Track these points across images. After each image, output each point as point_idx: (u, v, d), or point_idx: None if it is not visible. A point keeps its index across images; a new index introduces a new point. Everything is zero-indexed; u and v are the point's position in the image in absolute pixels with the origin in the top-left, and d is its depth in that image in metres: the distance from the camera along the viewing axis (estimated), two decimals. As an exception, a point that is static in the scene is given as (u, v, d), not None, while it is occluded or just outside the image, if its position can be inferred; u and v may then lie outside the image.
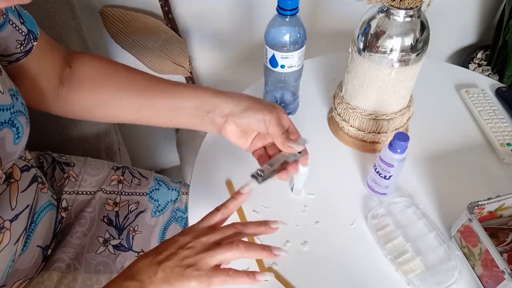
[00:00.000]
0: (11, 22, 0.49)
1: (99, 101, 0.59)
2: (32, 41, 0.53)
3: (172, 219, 0.75)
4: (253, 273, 0.45)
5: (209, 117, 0.56)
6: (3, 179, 0.51)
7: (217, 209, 0.49)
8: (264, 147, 0.59)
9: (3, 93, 0.46)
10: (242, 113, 0.54)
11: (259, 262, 0.61)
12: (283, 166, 0.54)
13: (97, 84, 0.59)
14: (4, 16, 0.48)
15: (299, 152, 0.55)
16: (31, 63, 0.54)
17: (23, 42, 0.51)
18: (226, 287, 0.44)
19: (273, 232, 0.49)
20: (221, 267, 0.45)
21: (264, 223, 0.48)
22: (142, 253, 0.69)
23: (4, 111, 0.46)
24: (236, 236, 0.46)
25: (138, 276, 0.43)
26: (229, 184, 0.71)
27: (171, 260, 0.43)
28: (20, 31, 0.50)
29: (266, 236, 0.64)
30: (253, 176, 0.51)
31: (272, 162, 0.54)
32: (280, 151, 0.56)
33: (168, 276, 0.42)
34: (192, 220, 0.66)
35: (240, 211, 0.67)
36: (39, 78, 0.56)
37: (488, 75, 1.38)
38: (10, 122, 0.47)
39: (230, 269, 0.44)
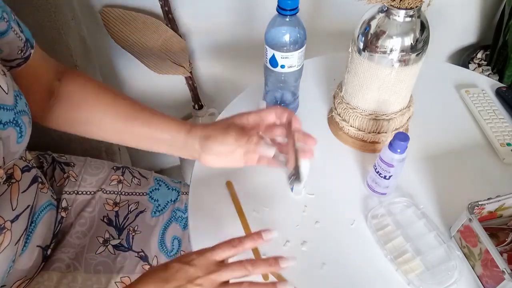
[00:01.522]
0: (13, 29, 0.50)
1: (83, 119, 0.61)
2: (30, 48, 0.54)
3: (172, 219, 0.75)
4: None
5: (184, 151, 0.60)
6: (4, 179, 0.51)
7: (232, 244, 0.48)
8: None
9: (7, 93, 0.46)
10: (207, 146, 0.57)
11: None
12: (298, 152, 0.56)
13: (82, 102, 0.60)
14: (8, 23, 0.49)
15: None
16: (28, 71, 0.55)
17: (23, 49, 0.53)
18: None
19: (281, 268, 0.48)
20: None
21: (275, 261, 0.48)
22: (142, 253, 0.69)
23: (9, 111, 0.46)
24: (244, 273, 0.47)
25: None
26: (229, 184, 0.71)
27: None
28: (20, 38, 0.52)
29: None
30: (291, 183, 0.57)
31: (290, 161, 0.57)
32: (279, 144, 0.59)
33: None
34: (192, 220, 0.66)
35: (240, 211, 0.67)
36: (32, 87, 0.57)
37: (488, 75, 1.38)
38: (14, 121, 0.47)
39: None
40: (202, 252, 0.48)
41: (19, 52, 0.52)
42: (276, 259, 0.47)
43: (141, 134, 0.60)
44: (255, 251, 0.62)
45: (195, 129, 0.59)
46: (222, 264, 0.47)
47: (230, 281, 0.46)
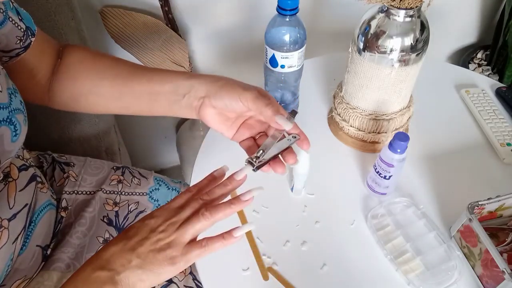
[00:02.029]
0: (10, 19, 0.50)
1: (83, 90, 0.59)
2: (30, 36, 0.54)
3: (172, 219, 0.75)
4: (229, 232, 0.44)
5: (185, 100, 0.54)
6: (1, 178, 0.51)
7: (189, 190, 0.47)
8: (254, 138, 0.55)
9: (1, 92, 0.46)
10: (217, 92, 0.51)
11: (259, 261, 0.61)
12: (281, 151, 0.49)
13: (80, 73, 0.59)
14: (4, 14, 0.49)
15: (294, 137, 0.50)
16: (29, 58, 0.55)
17: (22, 38, 0.52)
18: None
19: (247, 205, 0.45)
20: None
21: (230, 179, 0.46)
22: None
23: (2, 109, 0.46)
24: (204, 207, 0.44)
25: (109, 265, 0.41)
26: (229, 184, 0.71)
27: (144, 245, 0.42)
28: (19, 27, 0.52)
29: (265, 236, 0.64)
30: (248, 161, 0.48)
31: (266, 145, 0.49)
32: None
33: (143, 262, 0.41)
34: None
35: (240, 211, 0.67)
36: (35, 71, 0.57)
37: (488, 75, 1.38)
38: (8, 120, 0.47)
39: (204, 239, 0.43)
40: (160, 207, 0.46)
41: (18, 42, 0.52)
42: (236, 197, 0.44)
43: (141, 92, 0.56)
44: (253, 245, 0.63)
45: (203, 75, 0.54)
46: (182, 208, 0.45)
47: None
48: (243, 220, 0.66)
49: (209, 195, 0.45)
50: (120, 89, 0.58)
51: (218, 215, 0.43)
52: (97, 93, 0.59)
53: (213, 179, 0.47)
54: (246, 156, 0.50)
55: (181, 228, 0.42)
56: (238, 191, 0.46)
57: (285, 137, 0.51)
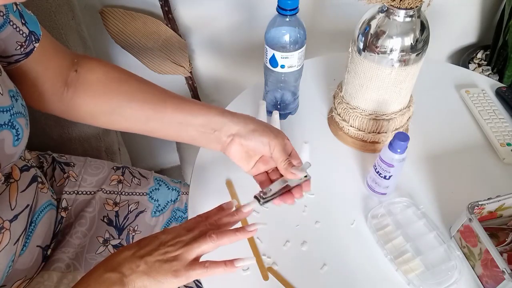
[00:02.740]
0: (11, 23, 0.48)
1: (107, 109, 0.59)
2: (34, 42, 0.52)
3: (172, 219, 0.75)
4: (231, 261, 0.47)
5: (215, 135, 0.57)
6: (2, 180, 0.51)
7: (199, 216, 0.51)
8: (266, 172, 0.59)
9: (2, 95, 0.46)
10: (248, 134, 0.55)
11: (259, 261, 0.61)
12: (287, 189, 0.55)
13: (106, 92, 0.58)
14: (4, 17, 0.47)
15: (305, 176, 0.55)
16: (33, 65, 0.53)
17: (23, 44, 0.50)
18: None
19: (250, 235, 0.49)
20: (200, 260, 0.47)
21: (237, 211, 0.51)
22: None
23: (4, 113, 0.46)
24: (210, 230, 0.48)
25: (120, 268, 0.44)
26: (229, 184, 0.71)
27: (152, 255, 0.45)
28: (21, 32, 0.49)
29: (265, 236, 0.64)
30: (255, 197, 0.53)
31: (275, 185, 0.55)
32: (281, 175, 0.57)
33: (149, 270, 0.44)
34: (192, 220, 0.66)
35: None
36: (41, 81, 0.55)
37: (488, 75, 1.38)
38: (10, 124, 0.46)
39: (207, 261, 0.46)
40: (172, 227, 0.50)
41: (18, 48, 0.49)
42: (242, 227, 0.48)
43: (170, 120, 0.58)
44: (253, 245, 0.63)
45: (235, 114, 0.57)
46: (191, 230, 0.49)
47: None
48: (244, 223, 0.66)
49: (217, 222, 0.50)
50: (149, 114, 0.58)
51: (223, 239, 0.47)
52: (121, 115, 0.59)
53: (222, 209, 0.51)
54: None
55: (188, 245, 0.46)
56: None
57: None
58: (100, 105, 0.58)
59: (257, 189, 0.60)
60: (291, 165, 0.54)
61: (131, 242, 0.69)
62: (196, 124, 0.57)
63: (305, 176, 0.55)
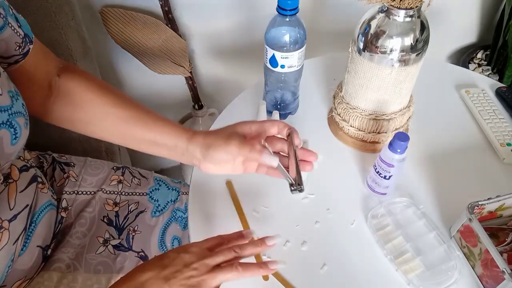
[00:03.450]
0: (10, 25, 0.49)
1: (83, 118, 0.60)
2: (29, 44, 0.53)
3: (172, 219, 0.75)
4: None
5: (185, 157, 0.60)
6: (1, 180, 0.51)
7: (221, 238, 0.52)
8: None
9: (1, 94, 0.46)
10: (208, 154, 0.57)
11: (259, 261, 0.61)
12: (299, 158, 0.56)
13: (83, 103, 0.60)
14: (4, 19, 0.48)
15: (304, 142, 0.56)
16: (27, 67, 0.54)
17: (21, 45, 0.51)
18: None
19: (270, 248, 0.51)
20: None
21: (261, 242, 0.51)
22: (142, 253, 0.69)
23: (2, 112, 0.46)
24: (235, 259, 0.49)
25: None
26: (229, 184, 0.71)
27: (177, 278, 0.45)
28: (18, 33, 0.51)
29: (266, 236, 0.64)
30: (293, 192, 0.55)
31: (291, 165, 0.56)
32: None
33: None
34: (192, 220, 0.66)
35: (240, 211, 0.67)
36: (31, 83, 0.56)
37: (488, 75, 1.38)
38: (8, 123, 0.47)
39: None
40: (196, 243, 0.50)
41: (17, 48, 0.51)
42: (262, 240, 0.51)
43: (142, 137, 0.60)
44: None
45: (197, 136, 0.58)
46: (212, 249, 0.50)
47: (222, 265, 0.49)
48: (242, 219, 0.66)
49: (240, 250, 0.50)
50: (122, 131, 0.60)
51: (247, 273, 0.48)
52: (98, 126, 0.61)
53: (242, 236, 0.53)
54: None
55: (213, 272, 0.47)
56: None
57: (292, 144, 0.57)
58: (78, 114, 0.60)
59: (257, 189, 0.61)
60: (259, 154, 0.55)
61: (131, 243, 0.69)
62: (166, 145, 0.60)
63: (304, 142, 0.56)
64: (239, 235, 0.53)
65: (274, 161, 0.55)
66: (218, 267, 0.47)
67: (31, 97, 0.56)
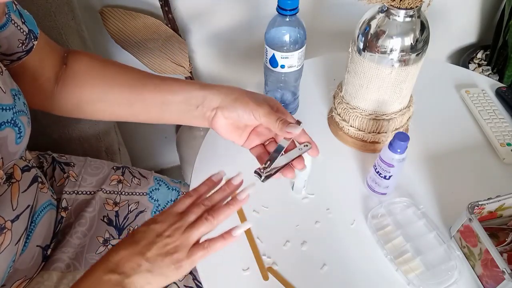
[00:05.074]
0: (13, 22, 0.49)
1: (91, 97, 0.59)
2: (33, 40, 0.53)
3: (172, 219, 0.75)
4: (228, 232, 0.46)
5: (198, 111, 0.56)
6: (4, 179, 0.51)
7: (189, 195, 0.49)
8: (263, 145, 0.57)
9: (5, 93, 0.46)
10: (231, 105, 0.53)
11: (259, 261, 0.61)
12: (288, 161, 0.52)
13: (88, 80, 0.59)
14: (7, 16, 0.48)
15: (306, 145, 0.52)
16: (31, 62, 0.54)
17: (24, 41, 0.51)
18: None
19: (244, 203, 0.47)
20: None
21: (228, 184, 0.49)
22: None
23: (6, 110, 0.46)
24: (207, 212, 0.47)
25: (119, 268, 0.43)
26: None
27: (152, 249, 0.44)
28: (22, 30, 0.51)
29: (265, 235, 0.64)
30: (255, 172, 0.50)
31: (273, 156, 0.51)
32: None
33: (152, 266, 0.43)
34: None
35: (240, 211, 0.67)
36: (38, 77, 0.56)
37: (488, 75, 1.38)
38: (12, 121, 0.47)
39: (205, 241, 0.45)
40: (164, 210, 0.48)
41: (20, 45, 0.51)
42: (233, 198, 0.47)
43: (151, 100, 0.57)
44: (253, 244, 0.63)
45: (216, 86, 0.55)
46: (184, 213, 0.47)
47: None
48: (242, 218, 0.66)
49: (209, 201, 0.48)
50: (130, 97, 0.58)
51: (220, 217, 0.46)
52: (105, 100, 0.59)
53: (212, 183, 0.50)
54: (246, 155, 0.51)
55: (186, 233, 0.45)
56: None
57: (295, 146, 0.53)
58: (85, 94, 0.59)
59: (256, 188, 0.60)
60: (285, 124, 0.50)
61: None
62: (178, 101, 0.56)
63: (306, 146, 0.52)
64: (209, 184, 0.50)
65: (297, 129, 0.50)
66: (190, 226, 0.45)
67: (37, 92, 0.57)
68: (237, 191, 0.48)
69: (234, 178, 0.49)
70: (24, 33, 0.51)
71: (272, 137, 0.56)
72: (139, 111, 0.59)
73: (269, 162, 0.51)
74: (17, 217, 0.53)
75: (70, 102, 0.60)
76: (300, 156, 0.52)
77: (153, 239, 0.44)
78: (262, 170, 0.50)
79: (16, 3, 0.51)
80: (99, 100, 0.59)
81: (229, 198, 0.48)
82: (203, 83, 0.57)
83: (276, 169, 0.51)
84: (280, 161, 0.51)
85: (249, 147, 0.57)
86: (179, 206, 0.48)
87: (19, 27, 0.50)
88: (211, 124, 0.56)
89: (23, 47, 0.52)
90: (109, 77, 0.59)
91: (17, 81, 0.53)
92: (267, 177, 0.50)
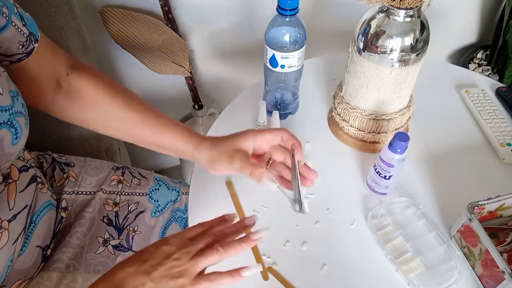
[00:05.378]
0: (13, 24, 0.49)
1: (93, 118, 0.63)
2: (33, 42, 0.53)
3: (172, 219, 0.75)
4: (237, 271, 0.46)
5: (196, 160, 0.63)
6: (0, 179, 0.51)
7: (201, 225, 0.50)
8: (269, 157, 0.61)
9: (2, 94, 0.46)
10: (211, 166, 0.60)
11: (259, 261, 0.61)
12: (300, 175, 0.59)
13: (94, 104, 0.61)
14: (7, 18, 0.48)
15: (293, 155, 0.58)
16: (32, 64, 0.54)
17: (24, 44, 0.51)
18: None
19: (255, 243, 0.49)
20: (206, 272, 0.46)
21: (246, 238, 0.48)
22: None
23: (3, 112, 0.46)
24: (217, 242, 0.47)
25: (123, 286, 0.43)
26: (229, 184, 0.71)
27: (158, 270, 0.44)
28: (22, 32, 0.51)
29: (266, 236, 0.64)
30: (295, 207, 0.62)
31: (295, 185, 0.59)
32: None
33: (155, 287, 0.43)
34: (192, 220, 0.66)
35: (240, 211, 0.67)
36: (38, 79, 0.56)
37: (488, 75, 1.38)
38: (9, 123, 0.47)
39: (212, 273, 0.46)
40: (176, 234, 0.49)
41: (20, 47, 0.51)
42: (247, 236, 0.48)
43: (151, 141, 0.63)
44: (254, 248, 0.63)
45: (203, 147, 0.61)
46: (195, 240, 0.47)
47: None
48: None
49: (221, 232, 0.49)
50: (131, 133, 0.63)
51: (230, 251, 0.46)
52: (107, 127, 0.63)
53: (224, 220, 0.51)
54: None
55: (194, 259, 0.45)
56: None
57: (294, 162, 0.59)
58: (86, 114, 0.62)
59: (256, 188, 0.61)
60: (260, 177, 0.58)
61: (131, 243, 0.69)
62: (175, 150, 0.63)
63: (293, 155, 0.58)
64: (220, 220, 0.51)
65: (272, 187, 0.60)
66: (199, 253, 0.46)
67: (38, 93, 0.58)
68: (251, 230, 0.50)
69: (248, 219, 0.51)
70: (25, 35, 0.51)
71: (270, 158, 0.60)
72: (138, 144, 0.64)
73: (298, 194, 0.59)
74: (14, 216, 0.53)
75: (71, 114, 0.62)
76: (305, 166, 0.59)
77: (161, 260, 0.45)
78: (301, 209, 0.62)
79: (17, 5, 0.51)
80: (100, 124, 0.63)
81: (243, 234, 0.49)
82: (198, 138, 0.62)
83: (299, 192, 0.59)
84: (295, 181, 0.58)
85: (259, 180, 0.60)
86: (190, 232, 0.49)
87: (19, 29, 0.50)
88: (212, 171, 0.62)
89: (23, 49, 0.52)
90: (113, 108, 0.62)
91: (18, 83, 0.52)
92: (301, 204, 0.62)
